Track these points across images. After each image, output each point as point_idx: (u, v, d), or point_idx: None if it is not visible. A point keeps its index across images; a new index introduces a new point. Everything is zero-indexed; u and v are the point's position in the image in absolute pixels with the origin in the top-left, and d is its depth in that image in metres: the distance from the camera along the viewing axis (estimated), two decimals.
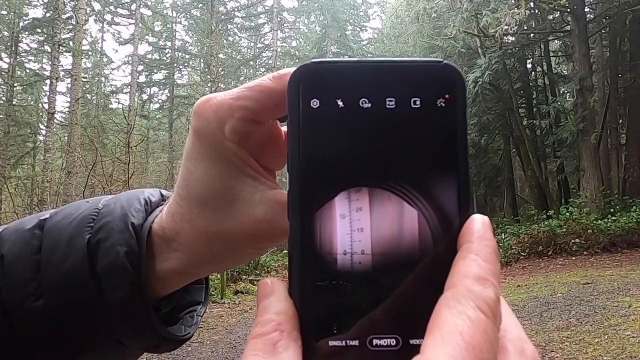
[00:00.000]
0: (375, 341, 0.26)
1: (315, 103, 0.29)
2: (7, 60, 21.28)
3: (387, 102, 0.29)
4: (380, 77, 0.29)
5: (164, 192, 0.46)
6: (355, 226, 0.28)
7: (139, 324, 0.41)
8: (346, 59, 0.30)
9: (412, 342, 0.26)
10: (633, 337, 4.97)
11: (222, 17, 28.13)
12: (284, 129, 0.40)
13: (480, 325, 0.23)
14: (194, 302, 0.47)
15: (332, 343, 0.27)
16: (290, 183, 0.29)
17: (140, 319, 0.40)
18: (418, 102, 0.29)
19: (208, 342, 6.42)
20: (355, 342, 0.27)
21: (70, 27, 20.29)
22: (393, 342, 0.26)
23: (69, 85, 21.11)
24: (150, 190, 0.45)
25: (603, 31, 15.30)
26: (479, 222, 0.27)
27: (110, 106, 28.20)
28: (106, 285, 0.39)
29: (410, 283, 0.27)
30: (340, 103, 0.29)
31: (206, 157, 0.38)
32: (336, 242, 0.28)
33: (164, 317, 0.43)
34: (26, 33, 21.93)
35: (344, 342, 0.27)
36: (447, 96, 0.29)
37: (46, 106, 19.85)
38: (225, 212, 0.38)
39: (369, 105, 0.29)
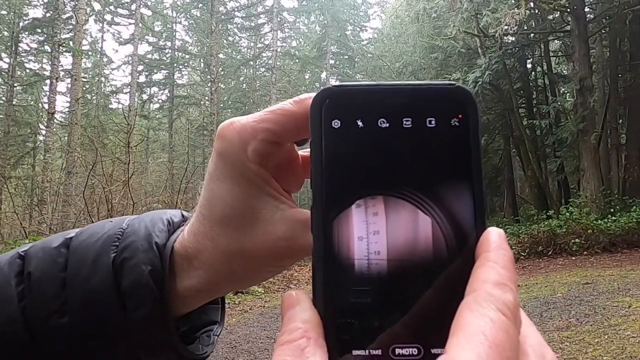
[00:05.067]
0: (397, 350, 0.27)
1: (336, 123, 0.30)
2: (7, 60, 21.29)
3: (404, 122, 0.30)
4: (397, 99, 0.31)
5: (185, 213, 0.47)
6: (374, 240, 0.29)
7: (161, 342, 0.42)
8: (365, 82, 0.31)
9: (434, 351, 0.27)
10: (633, 337, 4.98)
11: (222, 17, 28.09)
12: (301, 152, 0.42)
13: (502, 325, 0.24)
14: (210, 322, 0.48)
15: (355, 352, 0.27)
16: (313, 199, 0.30)
17: (161, 337, 0.41)
18: (433, 122, 0.30)
19: None
20: (378, 352, 0.27)
21: (70, 27, 20.28)
22: (415, 351, 0.27)
23: (69, 85, 21.10)
24: (172, 211, 0.47)
25: (603, 31, 15.29)
26: (495, 234, 0.28)
27: (110, 106, 28.25)
28: (130, 303, 0.40)
29: (431, 294, 0.28)
30: (360, 123, 0.30)
31: (229, 177, 0.39)
32: (357, 256, 0.29)
33: (181, 336, 0.44)
34: (26, 33, 21.93)
35: (367, 351, 0.27)
36: (460, 116, 0.30)
37: (46, 106, 19.85)
38: (246, 230, 0.39)
39: (387, 125, 0.30)
